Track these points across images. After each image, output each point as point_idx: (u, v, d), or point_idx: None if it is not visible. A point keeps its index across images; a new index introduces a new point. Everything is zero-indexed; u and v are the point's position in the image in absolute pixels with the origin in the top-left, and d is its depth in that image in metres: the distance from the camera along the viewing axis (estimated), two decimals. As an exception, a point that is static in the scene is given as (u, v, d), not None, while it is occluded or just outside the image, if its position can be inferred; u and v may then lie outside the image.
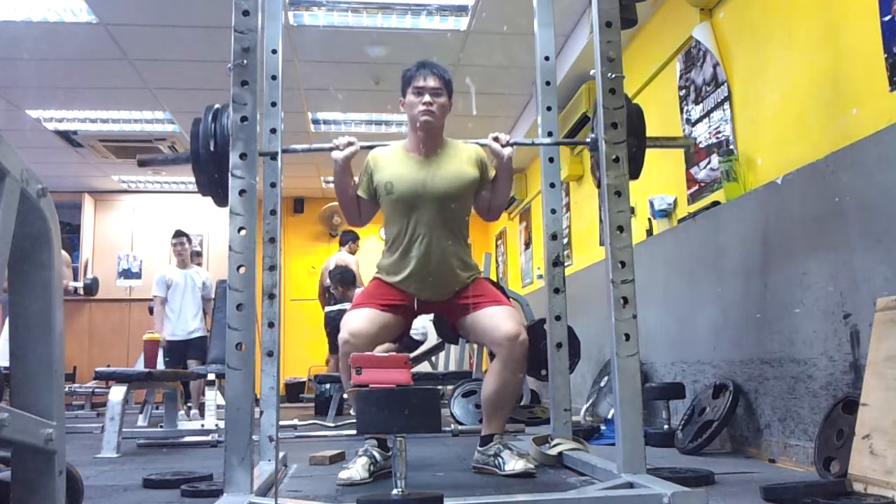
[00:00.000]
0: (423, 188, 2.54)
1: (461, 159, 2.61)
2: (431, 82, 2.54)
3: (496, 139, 2.52)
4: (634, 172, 2.30)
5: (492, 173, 2.64)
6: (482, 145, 2.61)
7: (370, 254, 6.36)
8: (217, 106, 2.18)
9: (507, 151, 2.52)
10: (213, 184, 2.13)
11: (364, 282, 5.30)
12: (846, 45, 2.49)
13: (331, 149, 2.51)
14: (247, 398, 1.85)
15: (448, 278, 2.59)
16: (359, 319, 2.50)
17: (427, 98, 2.52)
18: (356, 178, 2.65)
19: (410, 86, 2.57)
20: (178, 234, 5.82)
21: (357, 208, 2.64)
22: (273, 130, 2.51)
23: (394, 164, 2.59)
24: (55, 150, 6.96)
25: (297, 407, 7.41)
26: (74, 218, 8.52)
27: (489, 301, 2.58)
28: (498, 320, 2.50)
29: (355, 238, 6.71)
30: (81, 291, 6.41)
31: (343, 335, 2.44)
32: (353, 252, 6.66)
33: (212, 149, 2.10)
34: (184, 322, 5.69)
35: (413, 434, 1.61)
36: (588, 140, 2.38)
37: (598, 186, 2.21)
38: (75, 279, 7.85)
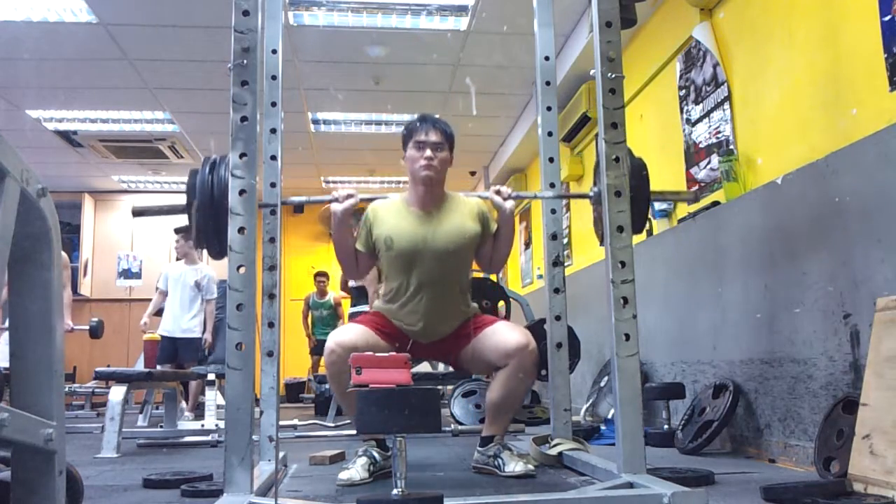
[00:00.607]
0: (423, 244, 2.50)
1: (462, 214, 2.58)
2: (433, 137, 2.51)
3: (498, 192, 2.49)
4: (639, 228, 2.28)
5: (493, 227, 2.61)
6: (483, 198, 2.59)
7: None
8: (215, 157, 2.16)
9: (508, 205, 2.48)
10: (210, 236, 2.11)
11: None
12: (846, 45, 2.49)
13: (330, 200, 2.46)
14: (247, 398, 1.85)
15: (446, 325, 2.58)
16: (349, 332, 2.48)
17: (428, 153, 2.49)
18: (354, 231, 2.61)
19: (412, 140, 2.53)
20: (176, 230, 5.73)
21: (355, 261, 2.59)
22: (273, 130, 2.51)
23: (394, 218, 2.55)
24: (55, 150, 6.96)
25: (297, 407, 7.42)
26: (74, 218, 8.52)
27: (488, 323, 2.58)
28: (503, 334, 2.50)
29: None
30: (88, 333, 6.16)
31: (330, 345, 2.42)
32: None
33: (210, 203, 2.08)
34: (173, 319, 5.52)
35: (413, 434, 1.61)
36: (591, 194, 2.35)
37: (602, 243, 2.15)
38: (74, 279, 7.84)
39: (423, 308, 2.52)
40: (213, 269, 5.79)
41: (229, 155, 1.95)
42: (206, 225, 2.10)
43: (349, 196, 2.44)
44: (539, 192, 2.76)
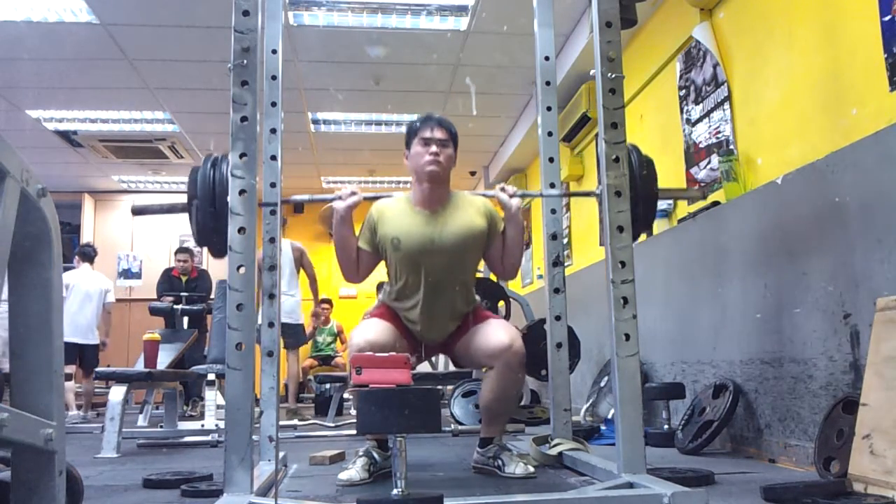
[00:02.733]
0: (431, 244, 2.47)
1: (468, 212, 2.55)
2: (438, 133, 2.49)
3: (503, 190, 2.48)
4: (646, 226, 2.28)
5: (501, 226, 2.58)
6: (489, 197, 2.57)
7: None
8: (216, 155, 2.15)
9: (514, 202, 2.46)
10: (210, 234, 2.10)
11: None
12: (846, 45, 2.49)
13: (332, 199, 2.44)
14: (247, 398, 1.85)
15: (450, 324, 2.58)
16: (378, 330, 2.46)
17: (434, 148, 2.46)
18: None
19: (416, 137, 2.50)
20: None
21: (356, 262, 2.54)
22: (273, 130, 2.51)
23: (400, 218, 2.52)
24: (55, 150, 6.96)
25: (297, 407, 7.40)
26: (74, 218, 8.51)
27: (482, 318, 2.58)
28: (489, 334, 2.49)
29: None
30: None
31: (360, 342, 2.38)
32: None
33: (211, 200, 2.08)
34: (88, 326, 6.15)
35: (413, 434, 1.61)
36: (597, 192, 2.34)
37: (602, 244, 2.16)
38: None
39: (428, 307, 2.51)
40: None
41: (229, 155, 1.95)
42: (207, 223, 2.10)
43: (352, 194, 2.42)
44: (543, 190, 2.74)
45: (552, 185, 2.79)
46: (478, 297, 2.68)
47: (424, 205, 2.53)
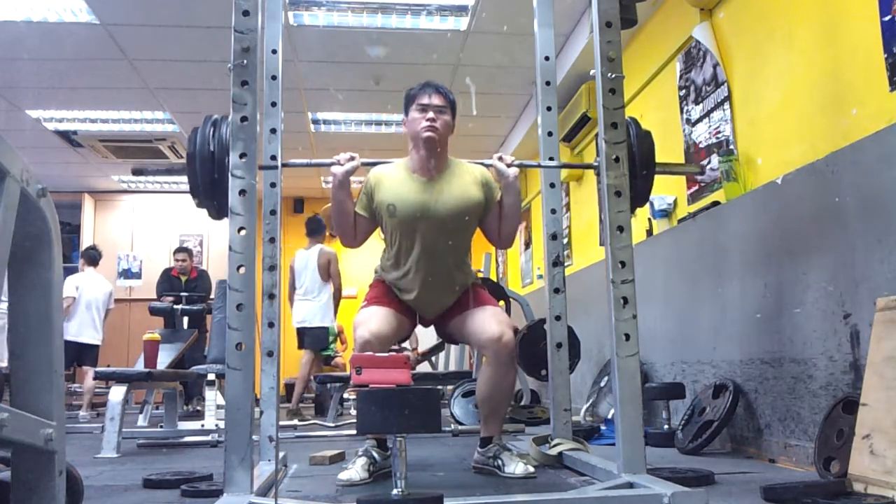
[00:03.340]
0: (426, 211, 2.48)
1: (465, 181, 2.55)
2: (436, 100, 2.49)
3: (500, 159, 2.48)
4: (643, 199, 2.31)
5: (497, 195, 2.57)
6: (487, 165, 2.57)
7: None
8: (216, 116, 2.15)
9: (512, 171, 2.47)
10: (209, 197, 2.10)
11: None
12: (846, 45, 2.49)
13: (331, 164, 2.43)
14: (247, 398, 1.85)
15: (447, 294, 2.58)
16: (379, 320, 2.45)
17: (431, 114, 2.47)
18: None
19: (414, 103, 2.51)
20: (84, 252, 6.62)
21: (353, 227, 2.55)
22: (273, 130, 2.50)
23: (397, 184, 2.52)
24: (55, 150, 6.96)
25: (298, 407, 7.41)
26: (74, 218, 8.52)
27: (476, 304, 2.57)
28: (481, 323, 2.49)
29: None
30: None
31: (364, 334, 2.37)
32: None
33: (210, 159, 2.08)
34: (94, 328, 6.35)
35: (413, 434, 1.61)
36: (595, 164, 2.35)
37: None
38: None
39: (425, 274, 2.51)
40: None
41: (230, 154, 1.95)
42: (206, 184, 2.09)
43: (351, 159, 2.42)
44: (542, 161, 2.73)
45: (552, 186, 2.79)
46: (475, 272, 2.68)
47: (421, 171, 2.54)
